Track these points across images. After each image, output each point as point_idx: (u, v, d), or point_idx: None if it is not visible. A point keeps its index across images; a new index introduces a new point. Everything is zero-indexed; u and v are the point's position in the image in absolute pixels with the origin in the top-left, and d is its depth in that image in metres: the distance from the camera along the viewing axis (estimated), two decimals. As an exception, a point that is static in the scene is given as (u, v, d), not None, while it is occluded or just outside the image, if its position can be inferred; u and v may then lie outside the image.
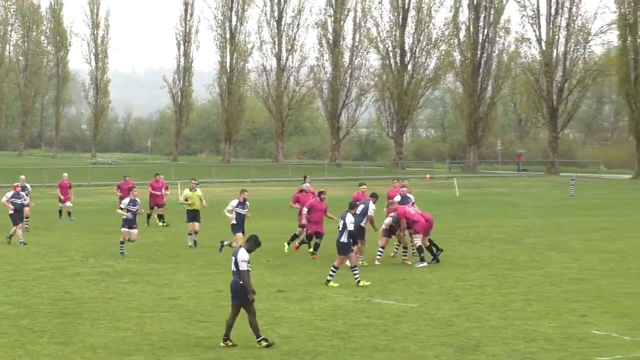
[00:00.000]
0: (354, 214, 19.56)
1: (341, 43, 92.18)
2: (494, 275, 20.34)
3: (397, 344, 13.63)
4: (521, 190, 56.67)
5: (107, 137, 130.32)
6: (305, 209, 23.21)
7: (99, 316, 15.74)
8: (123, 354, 13.10)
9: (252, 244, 13.70)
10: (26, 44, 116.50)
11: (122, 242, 23.68)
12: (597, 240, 27.27)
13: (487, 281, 19.44)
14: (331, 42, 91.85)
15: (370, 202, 21.69)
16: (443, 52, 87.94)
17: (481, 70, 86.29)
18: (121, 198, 30.44)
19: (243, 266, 13.40)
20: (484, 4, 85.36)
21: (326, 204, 23.24)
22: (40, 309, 16.46)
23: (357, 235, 20.56)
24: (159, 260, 23.06)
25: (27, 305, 16.72)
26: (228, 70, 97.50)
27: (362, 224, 21.29)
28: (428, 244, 22.20)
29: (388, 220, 22.06)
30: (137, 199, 24.08)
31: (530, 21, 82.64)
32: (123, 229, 23.61)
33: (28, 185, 30.35)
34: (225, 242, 22.73)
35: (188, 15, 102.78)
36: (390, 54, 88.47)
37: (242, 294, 13.42)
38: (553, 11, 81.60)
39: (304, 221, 23.55)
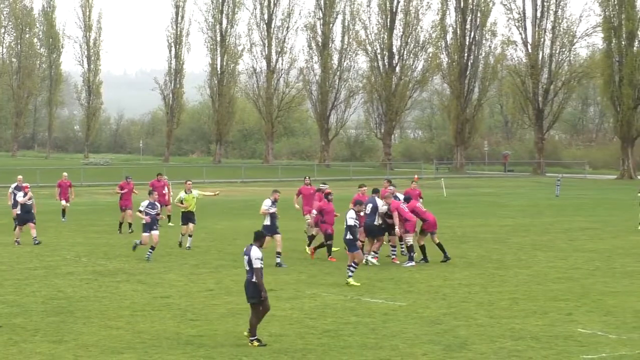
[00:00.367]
0: (357, 211, 19.54)
1: (330, 45, 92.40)
2: (481, 274, 20.52)
3: (386, 342, 13.76)
4: (508, 191, 56.97)
5: (100, 138, 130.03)
6: (314, 212, 23.14)
7: (91, 315, 15.85)
8: (115, 352, 13.19)
9: (263, 240, 13.84)
10: (19, 46, 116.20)
11: (144, 245, 22.85)
12: (582, 239, 27.50)
13: (475, 280, 19.62)
14: (320, 44, 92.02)
15: (377, 199, 21.86)
16: (430, 55, 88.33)
17: (468, 72, 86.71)
18: (121, 198, 30.45)
19: (257, 264, 13.45)
20: (471, 7, 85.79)
21: (333, 205, 23.18)
22: (33, 307, 16.56)
23: (376, 233, 20.80)
24: (150, 259, 23.17)
25: (20, 304, 16.82)
26: (219, 72, 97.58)
27: (375, 222, 21.50)
28: (423, 243, 22.31)
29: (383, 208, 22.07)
30: (156, 202, 23.31)
31: (516, 24, 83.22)
32: (144, 234, 22.83)
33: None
34: (282, 264, 21.94)
35: (179, 18, 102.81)
36: (379, 56, 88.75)
37: (255, 292, 13.50)
38: (539, 14, 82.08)
39: (310, 220, 23.70)
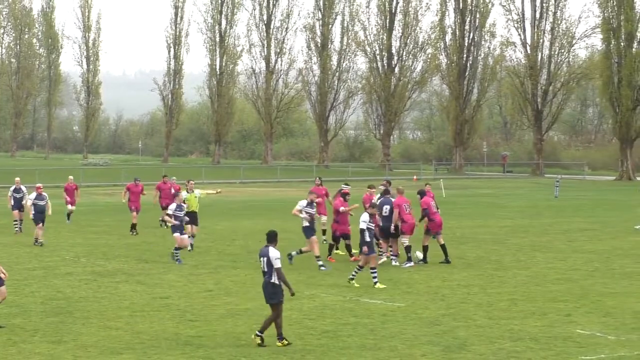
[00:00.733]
0: (371, 215, 19.23)
1: (329, 46, 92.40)
2: (480, 275, 20.55)
3: (385, 343, 13.77)
4: (507, 192, 56.99)
5: (99, 139, 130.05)
6: (342, 208, 22.56)
7: (90, 315, 15.87)
8: (114, 352, 13.21)
9: (277, 239, 13.84)
10: (18, 47, 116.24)
11: (177, 249, 22.47)
12: (581, 240, 27.51)
13: (473, 281, 19.64)
14: (319, 45, 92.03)
15: (391, 199, 21.91)
16: (429, 56, 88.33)
17: (467, 73, 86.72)
18: (130, 200, 30.29)
19: (277, 263, 13.55)
20: (470, 8, 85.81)
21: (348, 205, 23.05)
22: (32, 308, 16.58)
23: (392, 235, 20.79)
24: (149, 260, 23.19)
25: (19, 305, 16.83)
26: (218, 73, 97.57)
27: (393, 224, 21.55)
28: (427, 243, 22.33)
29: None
30: (183, 204, 23.01)
31: (515, 25, 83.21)
32: (176, 235, 22.42)
33: (23, 187, 30.33)
34: (294, 253, 21.97)
35: (178, 19, 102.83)
36: (378, 57, 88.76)
37: (271, 293, 13.54)
38: (538, 15, 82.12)
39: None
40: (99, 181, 62.01)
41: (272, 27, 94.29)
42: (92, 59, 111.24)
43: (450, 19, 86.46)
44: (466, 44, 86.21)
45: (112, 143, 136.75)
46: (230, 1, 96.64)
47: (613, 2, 74.62)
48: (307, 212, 21.61)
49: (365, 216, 19.09)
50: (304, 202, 21.82)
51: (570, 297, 17.54)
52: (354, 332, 14.50)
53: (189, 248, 24.38)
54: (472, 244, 26.50)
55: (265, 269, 13.67)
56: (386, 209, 21.62)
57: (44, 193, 26.83)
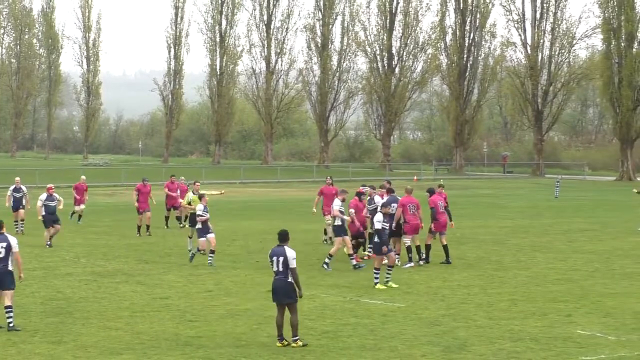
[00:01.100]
0: (384, 213, 19.09)
1: (329, 46, 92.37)
2: (480, 275, 20.56)
3: (385, 343, 13.78)
4: (507, 192, 56.99)
5: (99, 139, 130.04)
6: (352, 210, 22.46)
7: (90, 315, 15.88)
8: (114, 352, 13.23)
9: (289, 238, 13.84)
10: (18, 47, 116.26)
11: (198, 250, 22.44)
12: (581, 241, 27.52)
13: (474, 281, 19.65)
14: (320, 45, 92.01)
15: (398, 197, 21.93)
16: (430, 56, 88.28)
17: (467, 73, 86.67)
18: (138, 201, 30.03)
19: (293, 264, 13.56)
20: (470, 8, 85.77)
21: (363, 204, 22.91)
22: (32, 308, 16.58)
23: (392, 234, 20.84)
24: (149, 260, 23.19)
25: (19, 305, 16.79)
26: (218, 73, 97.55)
27: (400, 221, 21.56)
28: (430, 242, 22.37)
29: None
30: (206, 206, 22.57)
31: (516, 25, 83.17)
32: (201, 239, 22.25)
33: (23, 187, 30.29)
34: (327, 260, 21.54)
35: (178, 19, 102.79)
36: (378, 57, 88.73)
37: (290, 292, 13.53)
38: (538, 15, 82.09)
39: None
40: (99, 181, 61.95)
41: (272, 27, 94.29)
42: (92, 59, 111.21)
43: (450, 19, 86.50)
44: (466, 44, 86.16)
45: (112, 143, 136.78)
46: (231, 1, 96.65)
47: (613, 3, 74.63)
48: (341, 211, 21.58)
49: (379, 216, 19.02)
50: (339, 202, 21.80)
51: (571, 298, 17.54)
52: (354, 333, 14.50)
53: (193, 251, 23.30)
54: (473, 244, 26.51)
55: (281, 269, 13.61)
56: (393, 207, 21.60)
57: (55, 194, 26.32)
